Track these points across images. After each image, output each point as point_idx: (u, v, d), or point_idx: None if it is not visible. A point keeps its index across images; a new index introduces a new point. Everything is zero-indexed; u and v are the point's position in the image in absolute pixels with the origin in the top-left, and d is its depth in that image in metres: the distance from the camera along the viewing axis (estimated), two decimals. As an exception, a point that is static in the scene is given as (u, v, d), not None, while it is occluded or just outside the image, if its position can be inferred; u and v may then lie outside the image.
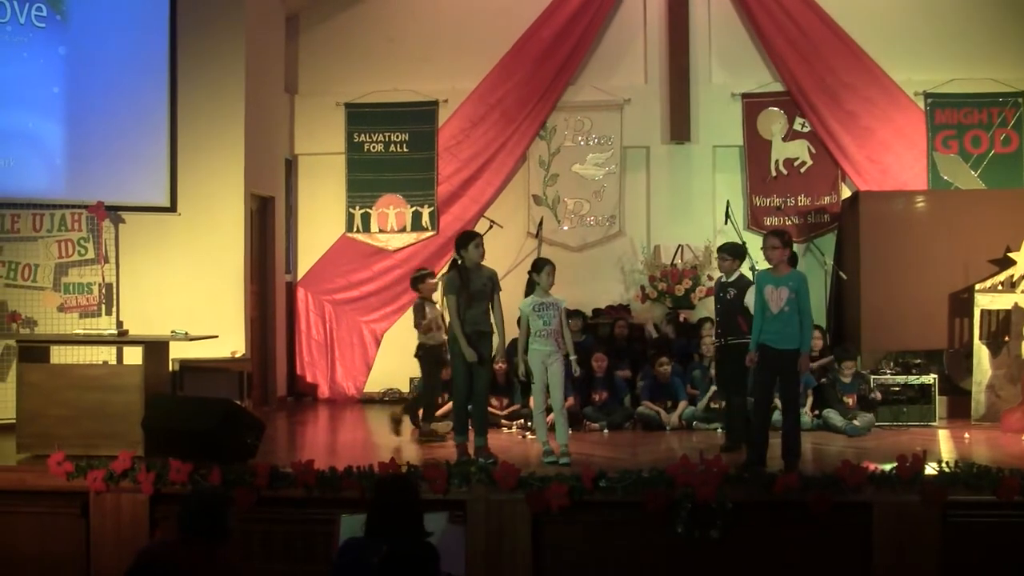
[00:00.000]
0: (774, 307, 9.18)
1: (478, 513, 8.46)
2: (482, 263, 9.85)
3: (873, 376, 11.82)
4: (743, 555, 8.38)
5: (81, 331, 11.15)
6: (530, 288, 9.85)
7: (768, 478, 8.44)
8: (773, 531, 8.45)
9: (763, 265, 9.77)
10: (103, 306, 11.98)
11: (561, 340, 9.69)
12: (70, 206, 11.99)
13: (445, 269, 10.44)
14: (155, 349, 10.02)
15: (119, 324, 11.46)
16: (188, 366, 11.71)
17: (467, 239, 9.86)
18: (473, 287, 9.68)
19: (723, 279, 10.28)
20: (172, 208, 12.54)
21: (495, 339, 9.95)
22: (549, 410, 9.73)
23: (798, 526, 8.40)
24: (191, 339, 10.24)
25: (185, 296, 12.24)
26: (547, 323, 9.60)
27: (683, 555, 8.35)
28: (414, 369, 12.63)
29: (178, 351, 11.10)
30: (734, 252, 10.30)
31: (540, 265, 9.90)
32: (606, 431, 11.30)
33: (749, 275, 10.45)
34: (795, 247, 13.78)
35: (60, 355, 11.04)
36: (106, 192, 12.07)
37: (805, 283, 9.24)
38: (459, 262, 9.78)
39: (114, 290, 12.08)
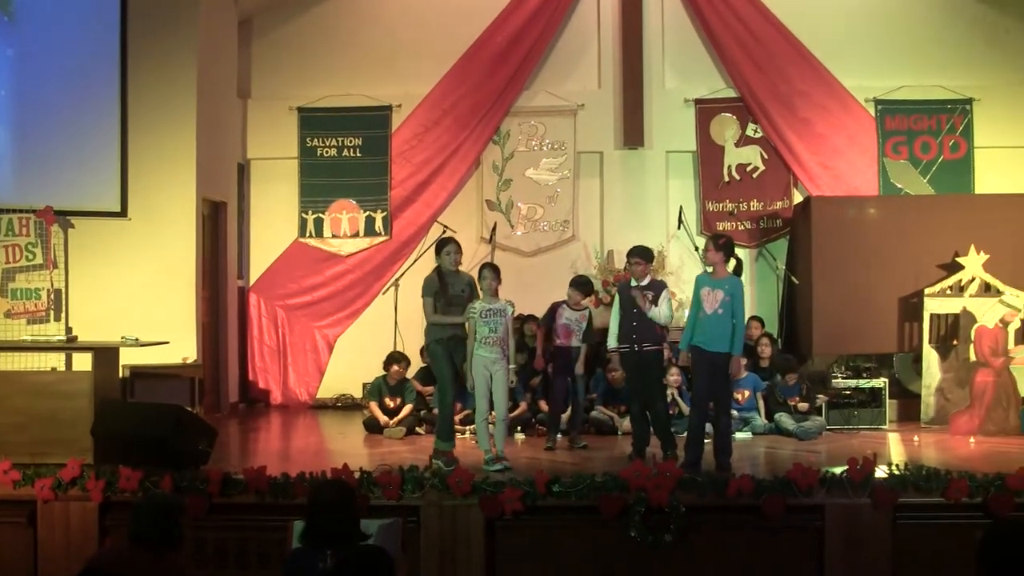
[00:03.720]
0: (708, 308, 9.27)
1: (432, 518, 8.43)
2: (459, 269, 9.86)
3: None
4: (697, 558, 8.40)
5: (29, 337, 11.01)
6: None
7: (721, 482, 8.47)
8: (727, 534, 8.48)
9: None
10: (52, 312, 11.85)
11: (506, 347, 9.65)
12: (18, 211, 11.84)
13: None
14: (105, 355, 9.89)
15: (68, 330, 11.32)
16: (139, 372, 11.60)
17: (440, 245, 9.90)
18: (451, 291, 9.67)
19: (632, 283, 10.11)
20: (123, 213, 12.43)
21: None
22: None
23: (752, 529, 8.43)
24: (142, 345, 10.14)
25: (136, 302, 12.15)
26: (493, 330, 9.51)
27: (638, 559, 8.35)
28: (366, 374, 12.64)
29: (129, 357, 11.00)
30: (645, 255, 10.19)
31: (480, 271, 9.82)
32: (559, 435, 11.30)
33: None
34: (747, 251, 13.97)
35: (8, 362, 10.95)
36: (55, 197, 11.92)
37: (741, 289, 9.36)
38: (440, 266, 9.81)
39: (63, 296, 11.95)
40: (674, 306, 11.05)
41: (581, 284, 11.11)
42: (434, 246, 10.19)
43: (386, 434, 11.51)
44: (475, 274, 10.04)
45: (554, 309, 11.05)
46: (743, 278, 9.61)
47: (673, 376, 11.35)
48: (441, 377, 9.81)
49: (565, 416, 11.08)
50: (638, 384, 10.14)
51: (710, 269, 9.51)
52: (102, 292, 12.15)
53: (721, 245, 9.43)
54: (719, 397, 9.46)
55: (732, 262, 9.45)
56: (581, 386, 11.10)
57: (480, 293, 9.81)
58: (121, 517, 8.13)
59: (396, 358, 12.06)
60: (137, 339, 10.09)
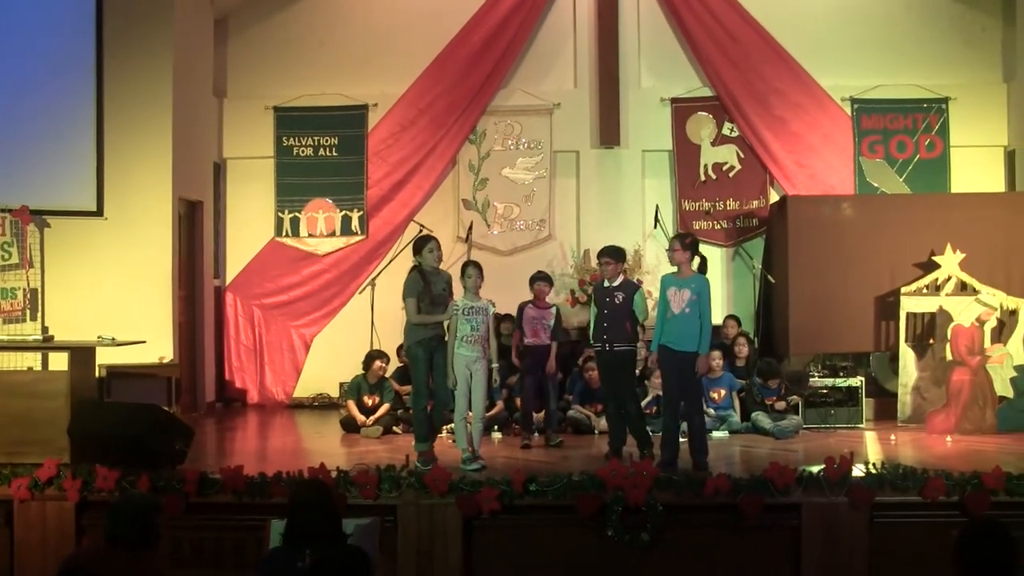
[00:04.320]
0: (675, 308, 9.30)
1: (409, 517, 8.43)
2: (440, 267, 9.84)
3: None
4: (675, 557, 8.41)
5: (5, 337, 10.96)
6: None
7: (698, 481, 8.48)
8: (704, 533, 8.50)
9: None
10: (28, 311, 11.81)
11: (487, 346, 9.66)
12: (-7, 210, 11.82)
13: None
14: (81, 355, 9.86)
15: (44, 330, 11.28)
16: (115, 372, 11.57)
17: (421, 243, 9.84)
18: (435, 290, 9.64)
19: (605, 283, 10.11)
20: (99, 212, 12.39)
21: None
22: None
23: (729, 528, 8.45)
24: (118, 344, 10.10)
25: (112, 301, 12.12)
26: (475, 328, 9.52)
27: (615, 558, 8.36)
28: (343, 374, 12.62)
29: (105, 357, 10.99)
30: (616, 255, 10.16)
31: (463, 268, 9.87)
32: (536, 435, 11.30)
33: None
34: (724, 250, 14.01)
35: (-17, 361, 10.89)
36: (31, 196, 11.90)
37: (707, 288, 9.40)
38: (419, 265, 9.75)
39: (39, 295, 11.92)
40: (650, 305, 11.07)
41: (545, 276, 11.23)
42: (412, 244, 10.15)
43: (363, 433, 11.48)
44: (453, 273, 10.05)
45: (521, 309, 11.12)
46: (711, 276, 9.66)
47: (657, 379, 11.35)
48: (417, 381, 9.79)
49: (540, 416, 11.09)
50: (611, 384, 10.16)
51: (675, 269, 9.54)
52: (78, 292, 12.12)
53: (688, 244, 9.48)
54: (690, 396, 9.49)
55: (696, 260, 9.47)
56: (554, 383, 11.12)
57: (459, 291, 9.82)
58: (98, 517, 8.09)
59: (377, 355, 12.06)
60: (113, 339, 10.05)
